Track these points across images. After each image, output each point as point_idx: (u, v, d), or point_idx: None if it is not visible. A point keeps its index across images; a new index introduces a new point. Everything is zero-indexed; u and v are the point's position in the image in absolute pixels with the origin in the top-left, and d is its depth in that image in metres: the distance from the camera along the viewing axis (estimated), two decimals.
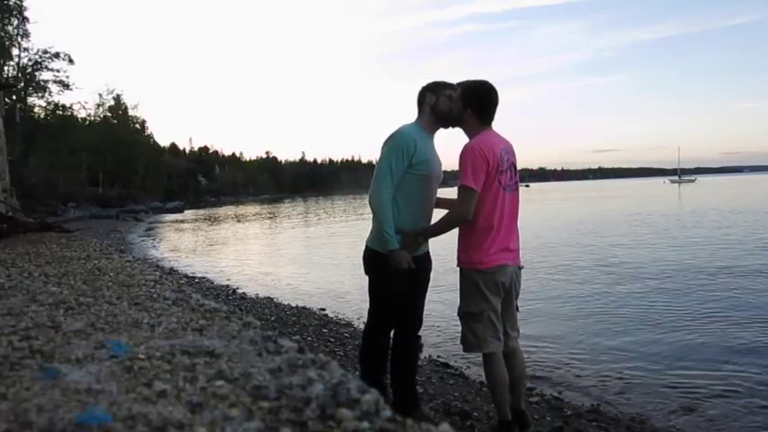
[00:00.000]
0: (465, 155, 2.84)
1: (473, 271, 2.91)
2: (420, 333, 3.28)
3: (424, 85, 3.13)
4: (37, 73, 37.04)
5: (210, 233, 23.37)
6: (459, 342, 3.08)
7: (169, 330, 1.64)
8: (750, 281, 8.27)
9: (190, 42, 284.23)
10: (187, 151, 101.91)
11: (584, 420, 3.66)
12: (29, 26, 35.28)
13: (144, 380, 1.16)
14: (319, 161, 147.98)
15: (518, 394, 3.02)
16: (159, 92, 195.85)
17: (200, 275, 10.47)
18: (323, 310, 7.17)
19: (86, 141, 42.96)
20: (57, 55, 36.56)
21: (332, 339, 5.57)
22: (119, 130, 52.63)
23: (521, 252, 3.07)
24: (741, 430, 3.62)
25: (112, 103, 54.39)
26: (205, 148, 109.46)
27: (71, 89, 38.13)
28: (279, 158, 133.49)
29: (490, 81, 3.04)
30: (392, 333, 3.17)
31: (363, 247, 3.13)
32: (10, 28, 34.30)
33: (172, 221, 32.86)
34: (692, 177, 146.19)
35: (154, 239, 20.59)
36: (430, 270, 3.24)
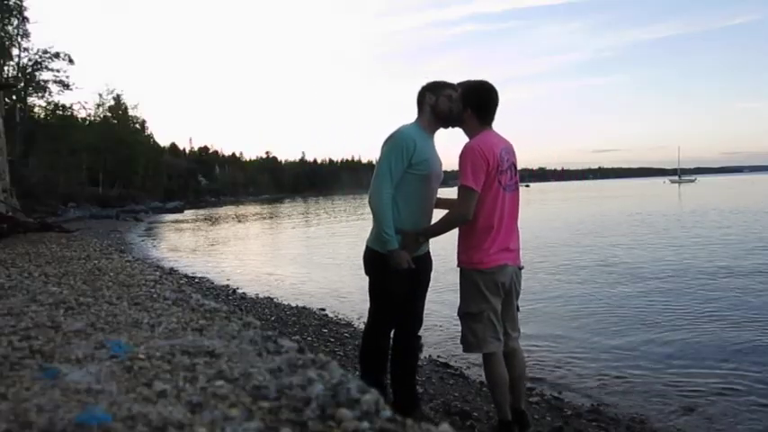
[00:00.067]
0: (465, 155, 2.84)
1: (473, 271, 2.91)
2: (420, 333, 3.28)
3: (424, 84, 3.12)
4: (37, 73, 37.09)
5: (210, 233, 23.37)
6: (459, 342, 3.09)
7: (169, 330, 1.64)
8: (750, 281, 8.27)
9: (190, 42, 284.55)
10: (187, 151, 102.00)
11: (584, 420, 3.66)
12: (29, 26, 35.34)
13: (144, 380, 1.16)
14: (319, 161, 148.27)
15: (518, 394, 3.02)
16: (159, 92, 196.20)
17: (200, 275, 10.47)
18: (323, 310, 7.17)
19: (86, 141, 42.96)
20: (57, 55, 36.60)
21: (332, 339, 5.57)
22: (119, 130, 52.63)
23: (521, 252, 3.07)
24: (741, 430, 3.62)
25: (112, 103, 54.43)
26: (205, 148, 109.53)
27: (71, 89, 38.20)
28: (279, 158, 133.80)
29: (490, 81, 3.05)
30: (392, 333, 3.17)
31: (363, 247, 3.13)
32: (10, 28, 34.32)
33: (172, 221, 32.86)
34: (692, 177, 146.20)
35: (154, 239, 20.60)
36: (430, 270, 3.24)
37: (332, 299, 8.02)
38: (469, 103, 2.97)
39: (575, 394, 4.26)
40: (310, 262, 12.70)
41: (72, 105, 43.66)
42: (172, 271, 10.88)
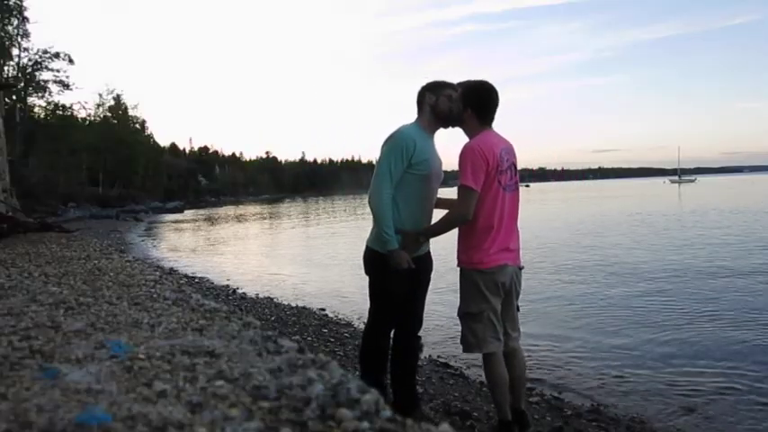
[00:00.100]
0: (465, 155, 2.84)
1: (473, 271, 2.91)
2: (420, 333, 3.28)
3: (424, 84, 3.12)
4: (37, 73, 37.11)
5: (210, 233, 23.37)
6: (459, 342, 3.08)
7: (169, 330, 1.64)
8: (750, 281, 8.28)
9: (190, 42, 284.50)
10: (187, 151, 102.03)
11: (584, 420, 3.66)
12: (29, 26, 35.36)
13: (144, 380, 1.16)
14: (319, 161, 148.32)
15: (518, 394, 3.02)
16: (159, 92, 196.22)
17: (200, 275, 10.47)
18: (323, 310, 7.17)
19: (86, 141, 42.98)
20: (57, 55, 36.61)
21: (332, 339, 5.57)
22: (119, 130, 52.64)
23: (521, 252, 3.07)
24: (741, 430, 3.62)
25: (112, 103, 54.47)
26: (205, 148, 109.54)
27: (71, 89, 38.22)
28: (279, 158, 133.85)
29: (490, 81, 3.05)
30: (392, 333, 3.17)
31: (364, 247, 3.13)
32: (10, 28, 34.33)
33: (172, 221, 32.86)
34: (692, 177, 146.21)
35: (154, 239, 20.60)
36: (430, 270, 3.24)
37: (332, 299, 8.02)
38: (469, 103, 2.97)
39: (575, 394, 4.26)
40: (310, 262, 12.70)
41: (72, 105, 43.78)
42: (172, 271, 10.89)
